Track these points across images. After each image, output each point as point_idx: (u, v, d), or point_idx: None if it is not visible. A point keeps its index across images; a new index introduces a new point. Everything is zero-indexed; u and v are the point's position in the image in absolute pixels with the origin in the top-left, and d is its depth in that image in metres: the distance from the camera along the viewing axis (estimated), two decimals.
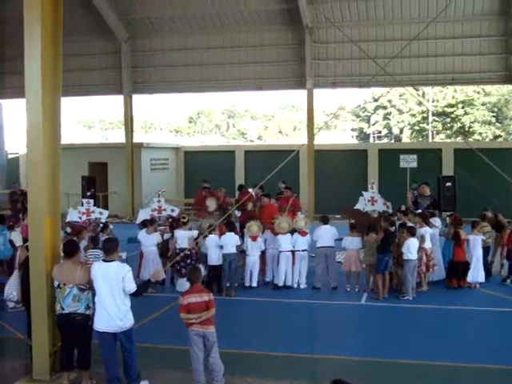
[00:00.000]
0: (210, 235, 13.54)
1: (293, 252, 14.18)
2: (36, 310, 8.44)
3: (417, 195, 16.79)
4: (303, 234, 14.17)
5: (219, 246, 13.60)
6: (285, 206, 16.01)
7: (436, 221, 14.81)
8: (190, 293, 8.12)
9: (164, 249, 14.63)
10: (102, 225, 14.91)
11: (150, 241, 14.10)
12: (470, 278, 13.86)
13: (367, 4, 24.28)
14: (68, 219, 15.38)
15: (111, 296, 7.76)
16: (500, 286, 14.26)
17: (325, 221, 14.33)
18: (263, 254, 14.46)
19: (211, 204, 17.44)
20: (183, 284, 13.81)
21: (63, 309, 8.02)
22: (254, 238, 14.06)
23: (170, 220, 15.91)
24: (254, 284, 14.21)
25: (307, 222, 14.71)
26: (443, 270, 14.49)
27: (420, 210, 15.06)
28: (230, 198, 18.90)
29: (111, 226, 14.83)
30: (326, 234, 14.08)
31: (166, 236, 14.73)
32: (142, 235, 14.25)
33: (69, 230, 14.14)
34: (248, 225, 14.34)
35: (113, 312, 7.77)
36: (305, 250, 14.25)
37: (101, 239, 12.55)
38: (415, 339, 10.51)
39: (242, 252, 14.40)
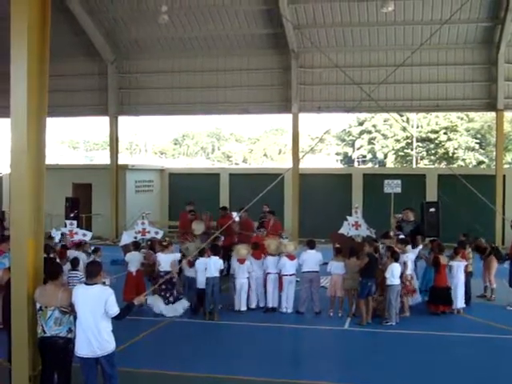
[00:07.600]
0: (200, 258, 13.47)
1: (280, 276, 14.14)
2: (17, 332, 8.28)
3: (400, 220, 16.83)
4: (291, 258, 14.09)
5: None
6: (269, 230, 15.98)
7: (409, 248, 14.62)
8: None
9: (149, 270, 14.51)
10: (93, 247, 14.74)
11: None
12: (454, 303, 13.86)
13: (353, 30, 24.56)
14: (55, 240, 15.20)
15: (92, 320, 7.61)
16: (481, 311, 14.25)
17: (311, 245, 14.26)
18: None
19: (198, 227, 17.25)
20: (160, 306, 13.65)
21: (45, 332, 7.88)
22: (242, 261, 13.98)
23: (149, 243, 15.74)
24: (244, 308, 14.09)
25: (296, 247, 14.69)
26: (418, 295, 14.53)
27: (402, 236, 15.04)
28: (213, 222, 18.72)
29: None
30: (311, 259, 14.04)
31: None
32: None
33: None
34: (237, 247, 14.33)
35: (93, 336, 7.62)
36: (293, 275, 14.17)
37: (85, 261, 12.43)
38: (399, 365, 10.46)
39: (225, 276, 14.30)
